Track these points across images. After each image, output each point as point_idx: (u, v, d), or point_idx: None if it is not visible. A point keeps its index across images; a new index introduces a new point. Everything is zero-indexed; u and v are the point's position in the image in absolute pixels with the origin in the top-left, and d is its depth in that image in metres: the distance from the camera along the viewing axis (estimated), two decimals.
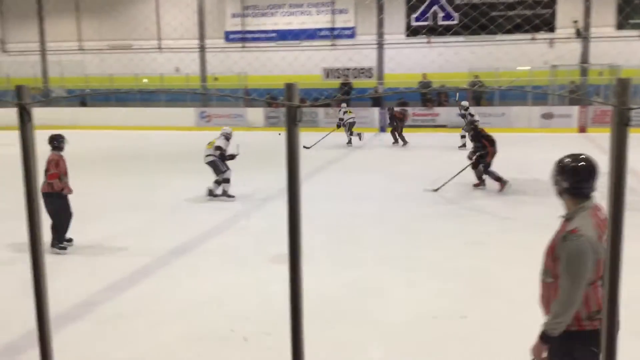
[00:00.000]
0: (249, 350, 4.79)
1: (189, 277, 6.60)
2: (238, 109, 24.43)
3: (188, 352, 4.78)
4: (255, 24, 26.73)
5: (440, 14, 24.06)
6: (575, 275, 2.84)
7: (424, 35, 24.15)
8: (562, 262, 2.88)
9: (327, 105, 23.33)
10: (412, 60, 23.72)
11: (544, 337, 2.91)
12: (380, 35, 24.90)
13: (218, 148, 10.54)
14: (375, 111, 23.25)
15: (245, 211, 9.79)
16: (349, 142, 18.86)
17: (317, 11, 25.94)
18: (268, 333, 4.97)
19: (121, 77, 26.15)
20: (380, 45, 25.00)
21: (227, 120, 24.36)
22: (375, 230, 8.54)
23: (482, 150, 11.04)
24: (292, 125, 2.40)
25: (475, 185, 11.37)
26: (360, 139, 18.91)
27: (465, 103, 17.32)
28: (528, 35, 22.80)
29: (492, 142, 11.15)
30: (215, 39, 26.97)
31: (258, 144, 18.91)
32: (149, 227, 8.88)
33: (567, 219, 2.99)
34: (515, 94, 21.68)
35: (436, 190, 10.99)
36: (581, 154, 3.03)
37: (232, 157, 10.64)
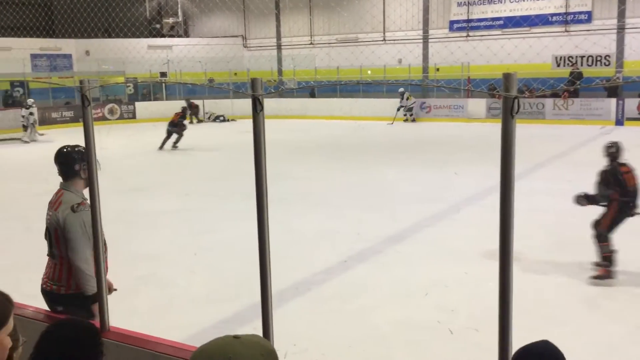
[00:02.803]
0: (456, 344, 4.74)
1: (400, 265, 6.71)
2: (458, 99, 24.00)
3: (396, 338, 4.88)
4: (481, 11, 26.00)
5: None
6: None
7: None
8: None
9: (556, 95, 21.81)
10: None
11: None
12: (620, 18, 22.60)
13: None
14: (612, 102, 21.19)
15: (458, 203, 9.63)
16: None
17: None
18: (476, 329, 4.87)
19: (347, 69, 27.23)
20: (620, 30, 22.70)
21: (447, 111, 24.12)
22: None
23: None
24: (508, 117, 2.31)
25: None
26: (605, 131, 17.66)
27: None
28: None
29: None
30: (438, 29, 26.81)
31: (477, 135, 18.45)
32: (362, 214, 9.15)
33: None
34: None
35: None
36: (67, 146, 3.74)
37: None
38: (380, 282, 6.21)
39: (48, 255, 3.68)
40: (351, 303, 5.66)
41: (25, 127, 20.05)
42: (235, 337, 1.40)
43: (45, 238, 3.69)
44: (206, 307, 5.66)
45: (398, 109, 23.95)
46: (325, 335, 4.97)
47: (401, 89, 23.02)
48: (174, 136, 16.82)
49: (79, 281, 3.52)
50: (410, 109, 24.13)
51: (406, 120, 24.04)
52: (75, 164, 3.67)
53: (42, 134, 20.75)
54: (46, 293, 3.65)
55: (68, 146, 3.79)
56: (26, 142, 19.73)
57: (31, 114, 20.00)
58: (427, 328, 5.02)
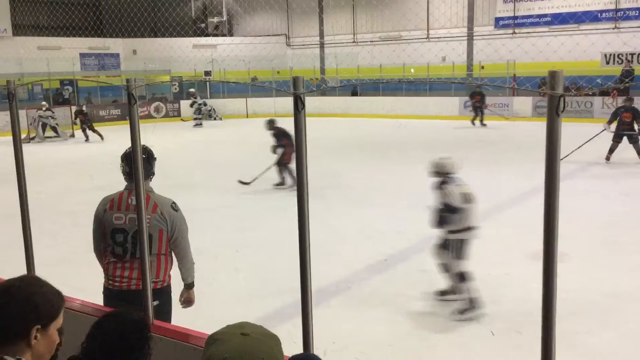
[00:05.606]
0: (497, 345, 4.67)
1: None
2: (504, 97, 23.60)
3: (437, 337, 4.83)
4: (527, 8, 25.52)
5: None
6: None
7: None
8: None
9: (605, 94, 21.21)
10: None
11: None
12: None
13: None
14: None
15: (501, 203, 9.47)
16: None
17: None
18: (519, 331, 4.79)
19: (389, 68, 27.07)
20: None
21: (492, 109, 23.73)
22: None
23: None
24: (553, 115, 2.27)
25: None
26: None
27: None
28: None
29: None
30: (483, 26, 26.42)
31: (522, 134, 18.11)
32: (404, 212, 9.08)
33: None
34: None
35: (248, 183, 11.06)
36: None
37: None
38: (420, 280, 6.17)
39: (138, 257, 3.43)
40: (391, 302, 5.63)
41: (54, 129, 20.20)
42: (243, 334, 1.40)
43: (125, 242, 3.56)
44: (247, 303, 5.72)
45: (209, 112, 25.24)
46: (365, 334, 4.97)
47: (192, 90, 24.96)
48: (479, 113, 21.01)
49: (190, 272, 3.76)
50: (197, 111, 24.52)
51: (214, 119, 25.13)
52: (154, 164, 3.76)
53: (70, 136, 20.90)
54: (138, 292, 3.29)
55: (144, 146, 3.58)
56: (39, 142, 19.80)
57: (52, 117, 20.29)
58: (468, 328, 4.96)
